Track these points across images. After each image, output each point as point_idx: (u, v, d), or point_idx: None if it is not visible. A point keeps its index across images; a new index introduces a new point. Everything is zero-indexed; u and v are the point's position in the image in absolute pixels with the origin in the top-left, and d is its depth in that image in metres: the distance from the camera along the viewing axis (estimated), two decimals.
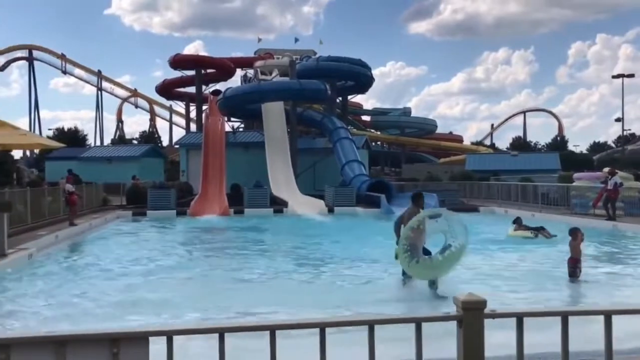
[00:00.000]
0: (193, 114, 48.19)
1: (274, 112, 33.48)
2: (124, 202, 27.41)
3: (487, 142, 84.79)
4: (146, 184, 29.52)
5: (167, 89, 50.83)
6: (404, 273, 9.34)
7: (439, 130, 70.80)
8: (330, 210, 25.51)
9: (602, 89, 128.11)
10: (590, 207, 20.23)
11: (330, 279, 11.01)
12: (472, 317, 2.96)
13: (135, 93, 74.99)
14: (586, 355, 4.34)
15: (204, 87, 47.16)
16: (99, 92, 73.59)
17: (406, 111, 71.28)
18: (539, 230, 15.79)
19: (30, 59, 70.18)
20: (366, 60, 40.03)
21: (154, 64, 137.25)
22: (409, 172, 47.06)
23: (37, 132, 62.38)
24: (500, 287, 9.55)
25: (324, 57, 39.81)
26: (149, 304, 8.78)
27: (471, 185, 32.52)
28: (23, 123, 68.87)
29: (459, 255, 8.49)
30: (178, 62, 45.95)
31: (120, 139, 67.17)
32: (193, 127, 46.92)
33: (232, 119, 39.46)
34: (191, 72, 46.09)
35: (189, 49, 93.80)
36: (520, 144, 76.76)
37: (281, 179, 29.11)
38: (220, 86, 46.81)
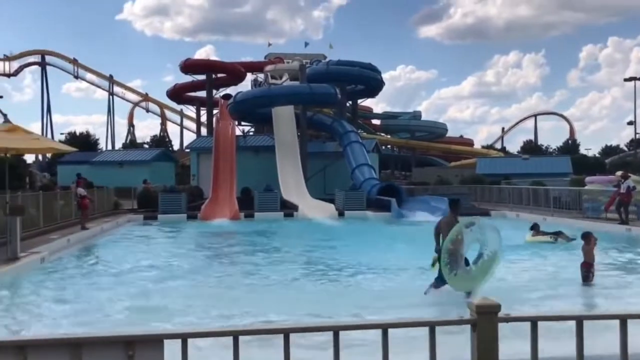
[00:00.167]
0: (204, 118, 48.39)
1: (284, 116, 33.56)
2: (135, 206, 27.53)
3: (498, 145, 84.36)
4: (157, 188, 29.65)
5: (178, 94, 51.11)
6: (439, 279, 9.07)
7: (449, 134, 70.59)
8: (341, 214, 25.49)
9: (614, 92, 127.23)
10: (603, 210, 20.07)
11: (342, 284, 10.97)
12: (486, 321, 2.96)
13: (146, 97, 75.38)
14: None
15: (214, 91, 47.39)
16: (111, 97, 74.09)
17: (416, 115, 71.15)
18: (557, 234, 15.60)
19: (42, 64, 70.78)
20: (376, 64, 40.09)
21: (165, 68, 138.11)
22: (420, 176, 46.97)
23: (49, 136, 62.82)
24: (520, 292, 9.46)
25: (334, 61, 39.88)
26: (161, 308, 8.80)
27: (482, 189, 32.37)
28: (35, 127, 69.67)
29: (492, 263, 8.34)
30: (189, 66, 46.21)
31: (132, 143, 67.52)
32: (204, 131, 47.10)
33: (243, 123, 39.69)
34: (202, 77, 46.37)
35: (200, 54, 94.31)
36: (532, 148, 76.32)
37: (291, 183, 29.14)
38: (231, 90, 47.04)
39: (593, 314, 3.87)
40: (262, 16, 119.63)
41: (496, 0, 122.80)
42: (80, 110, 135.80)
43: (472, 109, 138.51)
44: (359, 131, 38.88)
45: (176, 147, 69.55)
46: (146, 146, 64.20)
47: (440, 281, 8.96)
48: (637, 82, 45.17)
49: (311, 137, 37.79)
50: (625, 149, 74.24)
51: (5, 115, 63.07)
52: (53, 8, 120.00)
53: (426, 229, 20.87)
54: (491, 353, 2.94)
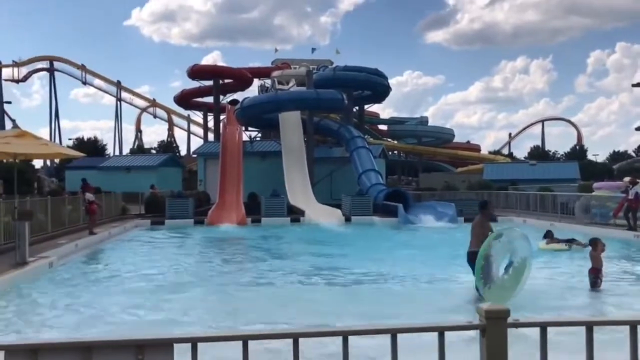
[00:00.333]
0: (211, 124, 48.51)
1: (291, 122, 33.61)
2: (142, 211, 27.63)
3: (505, 151, 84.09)
4: (164, 193, 29.74)
5: (185, 99, 51.27)
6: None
7: (456, 140, 70.45)
8: (347, 220, 25.48)
9: (622, 97, 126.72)
10: (611, 216, 19.98)
11: (350, 289, 10.96)
12: (495, 326, 2.95)
13: (153, 103, 75.68)
14: None
15: (221, 97, 47.51)
16: (118, 102, 74.42)
17: (423, 120, 71.09)
18: (571, 241, 15.46)
19: (51, 70, 71.24)
20: (383, 70, 40.08)
21: (172, 74, 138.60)
22: (426, 182, 46.88)
23: (57, 141, 63.18)
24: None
25: (341, 67, 39.93)
26: (170, 312, 8.83)
27: (489, 195, 32.27)
28: (44, 133, 70.01)
29: (523, 269, 8.28)
30: (196, 72, 46.37)
31: (139, 149, 67.75)
32: (211, 136, 47.22)
33: (250, 128, 39.70)
34: (209, 82, 46.48)
35: (207, 60, 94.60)
36: (539, 153, 76.06)
37: (298, 188, 29.16)
38: (238, 96, 47.15)
39: (603, 319, 3.86)
40: (269, 22, 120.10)
41: (503, 5, 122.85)
42: (88, 116, 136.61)
43: (479, 115, 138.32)
44: (365, 137, 38.90)
45: (183, 152, 69.75)
46: (153, 152, 64.38)
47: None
48: None
49: (318, 143, 37.81)
50: (633, 154, 73.92)
51: (14, 121, 63.56)
52: (61, 15, 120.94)
53: (432, 234, 20.94)
54: (500, 358, 2.94)
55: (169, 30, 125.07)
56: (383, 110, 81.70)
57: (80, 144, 59.03)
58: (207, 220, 25.07)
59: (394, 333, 2.88)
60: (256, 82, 49.97)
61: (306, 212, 25.90)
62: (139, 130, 77.30)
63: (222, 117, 44.20)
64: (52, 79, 71.37)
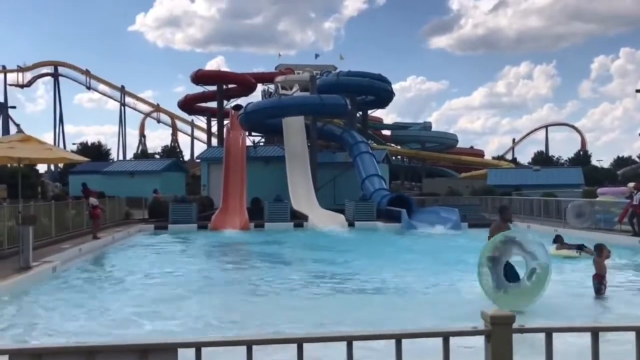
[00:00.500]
0: (214, 129, 48.59)
1: (294, 127, 33.66)
2: (146, 215, 27.66)
3: (509, 156, 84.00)
4: (167, 198, 29.78)
5: (189, 104, 51.39)
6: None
7: (459, 145, 70.37)
8: (351, 225, 25.46)
9: (626, 103, 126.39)
10: (615, 222, 19.92)
11: (353, 296, 10.93)
12: (500, 332, 2.94)
13: (157, 108, 75.86)
14: None
15: (225, 102, 47.62)
16: (122, 107, 74.60)
17: (426, 125, 71.04)
18: (581, 248, 15.30)
19: (55, 75, 71.51)
20: (387, 75, 40.17)
21: (176, 79, 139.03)
22: (430, 187, 46.82)
23: (61, 146, 63.32)
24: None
25: (344, 72, 40.01)
26: (173, 317, 8.82)
27: (493, 200, 32.22)
28: (48, 137, 70.11)
29: (546, 276, 8.22)
30: (200, 77, 46.49)
31: (143, 154, 67.88)
32: (214, 141, 47.29)
33: (253, 133, 39.80)
34: (213, 88, 46.59)
35: (211, 65, 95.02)
36: (543, 159, 75.93)
37: (301, 193, 29.16)
38: (242, 101, 47.20)
39: (608, 325, 3.84)
40: (273, 27, 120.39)
41: (507, 11, 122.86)
42: (92, 121, 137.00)
43: (483, 120, 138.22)
44: (369, 142, 38.92)
45: (187, 157, 69.88)
46: (157, 156, 64.55)
47: None
48: None
49: (321, 148, 37.85)
50: (638, 160, 73.64)
51: (18, 126, 63.71)
52: (66, 20, 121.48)
53: (435, 240, 20.89)
54: None
55: (173, 35, 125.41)
56: (386, 115, 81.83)
57: (84, 148, 59.20)
58: (211, 225, 25.08)
59: (398, 338, 2.87)
60: (260, 87, 50.09)
61: (309, 217, 25.89)
62: (142, 135, 77.54)
63: (225, 122, 44.31)
64: (56, 84, 71.67)
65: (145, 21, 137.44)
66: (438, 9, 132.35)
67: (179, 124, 74.89)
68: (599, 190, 25.39)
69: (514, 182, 40.02)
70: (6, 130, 60.28)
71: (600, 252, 10.00)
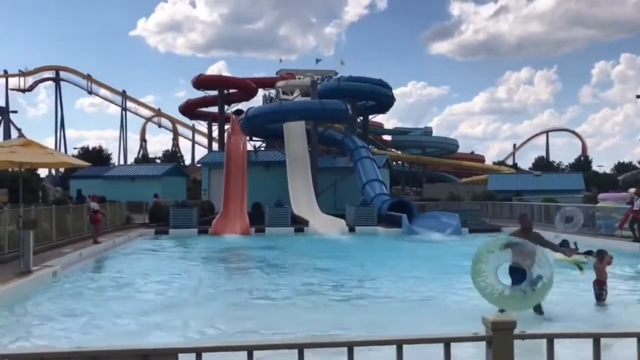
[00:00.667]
0: (215, 134, 48.65)
1: (295, 132, 33.68)
2: (146, 220, 27.65)
3: (509, 162, 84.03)
4: (168, 202, 29.78)
5: (190, 109, 51.46)
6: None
7: (460, 150, 70.45)
8: (351, 230, 25.43)
9: (627, 108, 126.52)
10: (616, 228, 19.89)
11: (353, 302, 10.91)
12: (501, 337, 2.93)
13: (158, 113, 75.99)
14: None
15: (226, 106, 47.68)
16: (124, 112, 74.74)
17: (427, 131, 71.15)
18: (588, 253, 15.18)
19: (57, 80, 71.65)
20: (387, 81, 40.20)
21: (177, 84, 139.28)
22: (431, 192, 46.84)
23: (62, 151, 63.40)
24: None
25: (345, 77, 40.06)
26: (173, 322, 8.80)
27: (493, 206, 32.22)
28: (49, 142, 70.19)
29: (550, 285, 8.23)
30: (201, 82, 46.56)
31: (144, 158, 67.94)
32: (215, 146, 47.33)
33: (254, 138, 39.80)
34: (214, 92, 46.66)
35: (212, 70, 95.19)
36: (543, 164, 75.93)
37: (302, 198, 29.15)
38: (243, 106, 47.26)
39: (610, 332, 3.83)
40: (274, 33, 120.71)
41: (508, 16, 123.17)
42: (94, 125, 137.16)
43: (484, 125, 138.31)
44: (369, 147, 38.93)
45: (188, 162, 69.95)
46: (158, 161, 64.57)
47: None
48: None
49: (322, 153, 37.86)
50: (638, 165, 73.64)
51: (19, 130, 63.85)
52: (67, 25, 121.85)
53: (436, 245, 20.86)
54: None
55: (174, 40, 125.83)
56: (387, 120, 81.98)
57: (86, 153, 59.26)
58: (211, 229, 25.07)
59: (399, 344, 2.86)
60: (261, 92, 50.17)
61: (310, 222, 25.87)
62: (143, 140, 77.64)
63: (226, 126, 44.33)
64: (57, 88, 71.85)
65: (147, 26, 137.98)
66: (439, 15, 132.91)
67: (180, 128, 75.03)
68: (600, 195, 25.35)
69: (515, 187, 40.01)
70: (7, 135, 60.39)
71: (601, 258, 9.98)
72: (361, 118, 42.99)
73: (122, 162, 69.40)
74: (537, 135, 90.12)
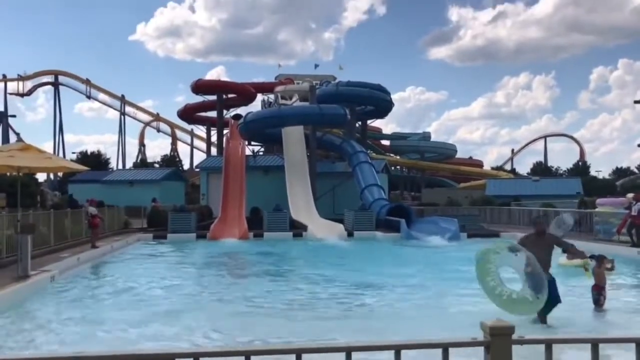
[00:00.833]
0: (214, 138, 48.66)
1: (293, 137, 33.70)
2: (145, 225, 27.61)
3: (508, 167, 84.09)
4: (167, 207, 29.75)
5: (188, 114, 51.46)
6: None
7: (458, 155, 70.53)
8: (350, 235, 25.41)
9: (625, 114, 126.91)
10: (614, 233, 19.91)
11: (352, 306, 10.90)
12: (499, 342, 2.93)
13: (157, 117, 75.96)
14: None
15: (225, 111, 47.69)
16: (122, 117, 74.68)
17: (425, 136, 71.22)
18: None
19: (56, 84, 71.63)
20: (386, 86, 40.30)
21: (176, 89, 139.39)
22: (429, 197, 46.82)
23: (61, 155, 63.37)
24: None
25: (344, 82, 40.12)
26: (171, 327, 8.79)
27: (491, 211, 32.23)
28: (48, 146, 70.18)
29: (544, 301, 8.23)
30: (200, 87, 46.59)
31: (142, 163, 67.86)
32: (214, 151, 47.33)
33: (253, 143, 39.82)
34: (213, 97, 46.68)
35: (211, 74, 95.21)
36: (541, 169, 76.00)
37: (301, 203, 29.13)
38: (241, 111, 47.33)
39: (608, 337, 3.83)
40: (274, 37, 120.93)
41: (506, 22, 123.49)
42: (92, 130, 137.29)
43: (482, 130, 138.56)
44: (368, 152, 38.97)
45: (186, 166, 69.91)
46: (157, 165, 64.52)
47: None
48: None
49: (321, 157, 37.87)
50: (636, 171, 73.73)
51: (18, 134, 63.70)
52: (67, 29, 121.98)
53: (435, 250, 20.85)
54: None
55: (173, 45, 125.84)
56: (386, 125, 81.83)
57: (84, 157, 59.16)
58: (210, 234, 25.03)
59: (397, 349, 2.86)
60: (259, 97, 50.21)
61: (309, 227, 25.84)
62: (142, 145, 77.54)
63: (225, 131, 44.35)
64: (56, 93, 71.80)
65: (146, 31, 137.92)
66: (437, 20, 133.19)
67: (178, 133, 75.01)
68: (598, 200, 25.38)
69: (513, 192, 40.02)
70: (6, 139, 60.28)
71: (600, 263, 9.99)
72: (360, 123, 43.05)
73: (120, 166, 69.35)
74: (535, 140, 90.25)
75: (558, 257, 15.60)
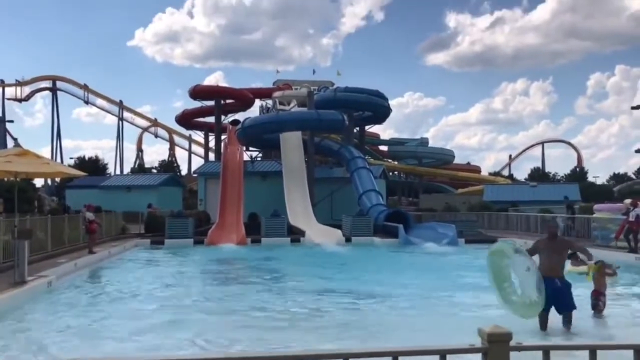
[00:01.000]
0: (212, 144, 48.69)
1: (292, 142, 33.72)
2: (142, 230, 27.57)
3: (505, 172, 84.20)
4: (164, 212, 29.70)
5: (186, 119, 51.51)
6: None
7: (456, 161, 70.58)
8: (348, 240, 25.40)
9: (622, 120, 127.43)
10: (612, 238, 19.93)
11: (355, 313, 10.86)
12: (497, 349, 2.93)
13: (155, 123, 75.96)
14: None
15: (223, 117, 47.75)
16: (120, 122, 74.66)
17: (423, 141, 71.29)
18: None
19: (54, 90, 71.62)
20: (384, 91, 40.40)
21: (174, 94, 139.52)
22: (427, 202, 46.87)
23: (58, 160, 63.27)
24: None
25: (342, 88, 40.21)
26: (168, 333, 8.75)
27: (489, 216, 32.25)
28: (46, 152, 70.15)
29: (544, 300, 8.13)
30: (198, 92, 46.66)
31: (140, 168, 67.83)
32: (212, 156, 47.39)
33: (251, 148, 39.83)
34: (211, 103, 46.74)
35: (210, 80, 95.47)
36: (539, 175, 76.11)
37: (299, 208, 29.12)
38: (239, 116, 47.40)
39: (606, 344, 3.82)
40: (272, 43, 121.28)
41: (504, 28, 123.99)
42: (90, 135, 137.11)
43: (480, 136, 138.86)
44: (366, 157, 39.02)
45: (184, 172, 69.88)
46: (154, 171, 64.48)
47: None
48: None
49: (319, 163, 37.89)
50: (633, 176, 73.93)
51: (15, 140, 63.70)
52: (65, 34, 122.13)
53: (433, 256, 20.85)
54: None
55: (172, 50, 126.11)
56: (384, 131, 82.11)
57: (82, 163, 59.10)
58: (207, 240, 24.98)
59: (395, 356, 2.86)
60: (257, 103, 50.29)
61: (306, 233, 25.83)
62: (140, 150, 77.47)
63: (223, 137, 44.38)
64: (54, 98, 71.79)
65: (145, 36, 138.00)
66: (435, 26, 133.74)
67: (176, 138, 75.01)
68: (596, 206, 25.43)
69: (511, 198, 40.08)
70: (3, 144, 60.21)
71: (599, 268, 9.98)
72: (357, 128, 43.12)
73: (118, 172, 69.31)
74: (532, 146, 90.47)
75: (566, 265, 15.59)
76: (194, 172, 47.39)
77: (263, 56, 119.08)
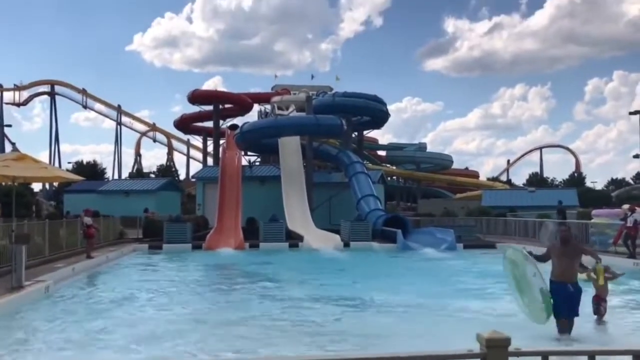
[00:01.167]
0: (210, 148, 48.68)
1: (290, 147, 33.72)
2: (140, 235, 27.53)
3: (503, 178, 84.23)
4: (162, 217, 29.67)
5: (185, 124, 51.48)
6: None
7: (454, 166, 70.62)
8: (346, 245, 25.37)
9: (620, 125, 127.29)
10: (610, 244, 19.93)
11: (352, 317, 10.85)
12: (495, 354, 2.92)
13: (153, 127, 75.96)
14: None
15: (221, 121, 47.75)
16: (119, 127, 74.68)
17: (422, 146, 71.34)
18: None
19: (52, 94, 71.61)
20: (382, 96, 40.40)
21: (173, 99, 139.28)
22: (425, 207, 46.86)
23: (57, 165, 63.25)
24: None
25: (340, 93, 40.25)
26: (166, 340, 8.72)
27: (488, 221, 32.26)
28: (44, 156, 69.97)
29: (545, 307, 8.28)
30: (196, 97, 46.65)
31: (138, 173, 67.77)
32: (210, 161, 47.37)
33: (249, 153, 39.82)
34: (209, 107, 46.72)
35: (208, 85, 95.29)
36: (537, 180, 76.15)
37: (297, 213, 29.10)
38: (238, 121, 47.41)
39: (605, 349, 3.81)
40: (270, 48, 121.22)
41: (502, 33, 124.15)
42: (88, 140, 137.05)
43: (478, 141, 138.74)
44: (364, 162, 39.03)
45: (182, 176, 69.81)
46: (153, 176, 64.42)
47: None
48: None
49: (317, 168, 37.89)
50: (632, 182, 74.00)
51: (14, 144, 63.68)
52: (63, 39, 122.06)
53: (431, 261, 20.83)
54: None
55: (170, 55, 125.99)
56: (382, 136, 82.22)
57: (80, 167, 59.06)
58: (205, 245, 24.94)
59: None
60: (256, 108, 50.28)
61: (305, 238, 25.80)
62: (138, 155, 77.44)
63: (221, 141, 44.35)
64: (52, 102, 71.79)
65: (143, 41, 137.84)
66: (434, 32, 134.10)
67: (175, 143, 75.01)
68: (594, 212, 25.45)
69: (509, 203, 40.07)
70: (1, 149, 60.22)
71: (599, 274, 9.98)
72: (356, 133, 43.12)
73: (116, 176, 69.21)
74: (531, 151, 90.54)
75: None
76: (193, 177, 47.27)
77: (262, 61, 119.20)
